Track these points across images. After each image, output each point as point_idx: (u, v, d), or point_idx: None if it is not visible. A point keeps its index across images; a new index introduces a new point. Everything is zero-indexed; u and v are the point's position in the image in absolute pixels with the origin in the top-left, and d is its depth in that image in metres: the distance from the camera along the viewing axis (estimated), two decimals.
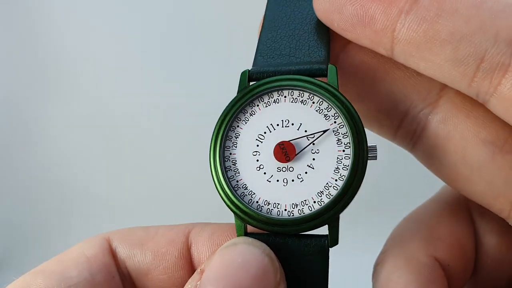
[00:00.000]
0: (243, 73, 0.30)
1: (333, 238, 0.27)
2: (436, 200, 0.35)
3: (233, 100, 0.30)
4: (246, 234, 0.29)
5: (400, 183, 0.77)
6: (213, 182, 0.29)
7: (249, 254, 0.26)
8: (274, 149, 0.28)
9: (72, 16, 0.87)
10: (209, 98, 0.81)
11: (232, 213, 0.29)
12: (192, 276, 0.27)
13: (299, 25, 0.32)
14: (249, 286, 0.25)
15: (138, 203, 0.88)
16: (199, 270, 0.27)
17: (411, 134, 0.31)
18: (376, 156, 0.28)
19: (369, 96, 0.31)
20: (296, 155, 0.28)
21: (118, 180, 0.92)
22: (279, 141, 0.28)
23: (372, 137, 0.30)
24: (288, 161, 0.28)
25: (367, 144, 0.27)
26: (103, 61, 0.87)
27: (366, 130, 0.28)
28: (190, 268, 0.33)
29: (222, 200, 0.29)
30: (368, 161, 0.28)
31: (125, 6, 0.85)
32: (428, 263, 0.31)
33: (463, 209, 0.34)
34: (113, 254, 0.33)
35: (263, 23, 0.33)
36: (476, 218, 0.34)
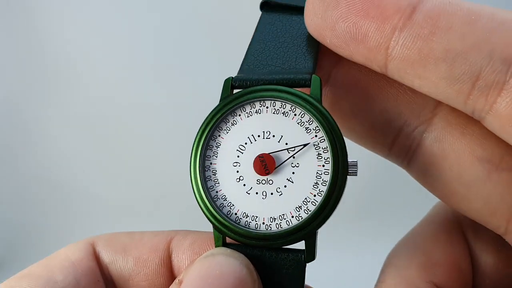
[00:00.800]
0: (226, 81, 0.30)
1: (309, 254, 0.27)
2: (429, 221, 0.35)
3: (215, 108, 0.30)
4: (225, 244, 0.29)
5: (393, 190, 0.77)
6: (193, 192, 0.29)
7: (227, 265, 0.26)
8: (254, 161, 0.28)
9: (73, 16, 0.87)
10: (212, 99, 0.81)
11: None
12: (170, 287, 0.27)
13: (289, 39, 0.32)
14: None
15: (137, 203, 0.89)
16: (177, 280, 0.27)
17: (405, 151, 0.31)
18: (356, 172, 0.27)
19: (362, 113, 0.31)
20: (275, 168, 0.28)
21: (117, 180, 0.92)
22: (259, 153, 0.28)
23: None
24: (267, 174, 0.28)
25: (347, 159, 0.27)
26: (103, 62, 0.88)
27: (356, 145, 0.28)
28: (171, 275, 0.33)
29: (201, 211, 0.29)
30: (349, 176, 0.27)
31: (125, 7, 0.85)
32: None
33: (456, 229, 0.34)
34: (97, 258, 0.33)
35: (253, 36, 0.33)
36: (470, 238, 0.33)
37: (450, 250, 0.32)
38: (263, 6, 0.34)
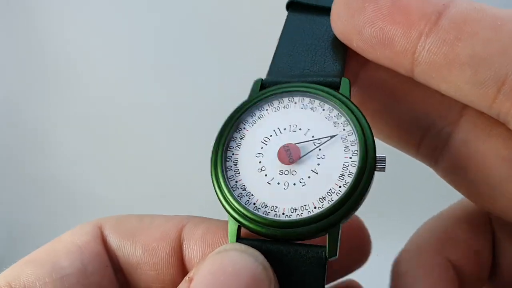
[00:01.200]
0: (256, 82, 0.30)
1: (331, 249, 0.26)
2: (457, 206, 0.35)
3: (243, 102, 0.30)
4: (239, 239, 0.27)
5: (407, 188, 0.77)
6: (212, 182, 0.28)
7: (241, 262, 0.25)
8: (279, 150, 0.28)
9: (74, 16, 0.87)
10: (212, 99, 0.82)
11: (227, 214, 0.28)
12: (180, 285, 0.26)
13: (316, 41, 0.32)
14: None
15: (139, 203, 0.87)
16: (187, 278, 0.26)
17: (432, 152, 0.31)
18: (384, 167, 0.27)
19: (389, 113, 0.31)
20: (300, 157, 0.27)
21: (119, 180, 0.91)
22: (284, 144, 0.28)
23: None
24: (291, 163, 0.27)
25: (375, 153, 0.27)
26: (105, 62, 0.87)
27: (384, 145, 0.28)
28: (181, 266, 0.31)
29: (218, 200, 0.28)
30: (376, 172, 0.27)
31: (126, 7, 0.85)
32: (440, 263, 0.31)
33: (483, 217, 0.34)
34: (104, 242, 0.31)
35: (280, 37, 0.33)
36: (497, 227, 0.34)
37: (472, 233, 0.33)
38: (289, 6, 0.34)
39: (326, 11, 0.31)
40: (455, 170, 0.30)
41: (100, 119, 0.89)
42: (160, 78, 0.86)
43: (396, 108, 0.31)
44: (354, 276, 0.36)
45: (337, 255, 0.26)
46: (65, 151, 0.91)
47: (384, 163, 0.27)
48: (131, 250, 0.31)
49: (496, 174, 0.28)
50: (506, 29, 0.24)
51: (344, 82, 0.29)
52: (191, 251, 0.31)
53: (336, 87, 0.29)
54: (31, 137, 0.91)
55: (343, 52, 0.31)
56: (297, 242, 0.27)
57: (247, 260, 0.25)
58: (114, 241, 0.31)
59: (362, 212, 0.28)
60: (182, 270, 0.31)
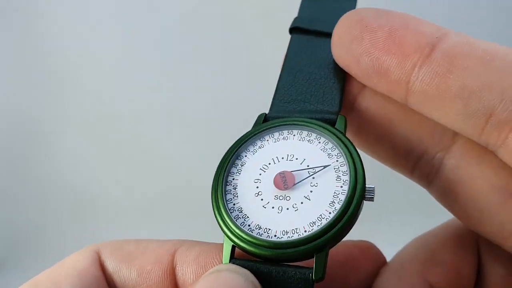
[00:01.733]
0: (259, 116, 0.33)
1: (317, 271, 0.27)
2: (443, 226, 0.36)
3: (246, 133, 0.32)
4: (233, 259, 0.29)
5: (395, 197, 0.77)
6: (211, 203, 0.30)
7: (233, 281, 0.26)
8: (275, 176, 0.30)
9: (77, 17, 0.88)
10: (214, 103, 0.84)
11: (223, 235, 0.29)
12: None
13: (317, 69, 0.34)
14: None
15: (141, 204, 0.88)
16: None
17: (426, 175, 0.33)
18: (373, 197, 0.28)
19: (386, 138, 0.33)
20: (294, 184, 0.29)
21: (120, 181, 0.91)
22: (281, 171, 0.30)
23: None
24: (286, 189, 0.29)
25: (364, 184, 0.28)
26: (109, 63, 0.89)
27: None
28: None
29: (216, 221, 0.30)
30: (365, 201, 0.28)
31: (128, 8, 0.87)
32: (418, 283, 0.31)
33: (469, 239, 0.35)
34: (102, 267, 0.33)
35: (283, 64, 0.35)
36: (483, 249, 0.34)
37: (456, 255, 0.33)
38: (292, 31, 0.37)
39: (328, 35, 0.34)
40: (447, 194, 0.31)
41: (104, 120, 0.90)
42: (165, 79, 0.88)
43: (392, 133, 0.33)
44: None
45: (324, 277, 0.27)
46: (68, 151, 0.92)
47: (373, 194, 0.28)
48: (127, 273, 0.32)
49: (485, 199, 0.29)
50: (495, 65, 0.26)
51: (340, 119, 0.31)
52: (184, 273, 0.32)
53: (332, 123, 0.31)
54: (34, 137, 0.92)
55: (342, 82, 0.33)
56: (287, 263, 0.28)
57: (238, 280, 0.26)
58: (111, 265, 0.33)
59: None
60: None
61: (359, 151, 0.30)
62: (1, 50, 0.90)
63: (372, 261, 0.34)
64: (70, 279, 0.31)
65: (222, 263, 0.29)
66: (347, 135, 0.33)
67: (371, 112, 0.33)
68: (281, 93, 0.34)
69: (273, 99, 0.34)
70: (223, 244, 0.29)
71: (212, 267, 0.30)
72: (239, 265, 0.28)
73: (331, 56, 0.33)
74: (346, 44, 0.30)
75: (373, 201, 0.28)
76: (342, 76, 0.33)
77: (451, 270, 0.33)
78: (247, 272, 0.27)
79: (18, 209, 0.93)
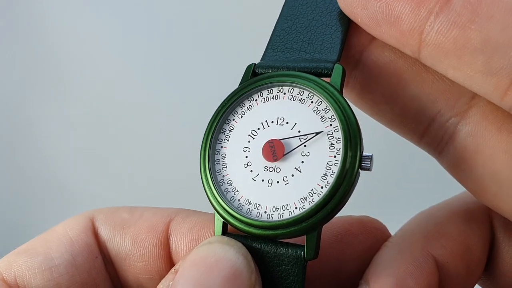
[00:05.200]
0: (248, 67, 0.29)
1: (310, 250, 0.25)
2: (453, 200, 0.33)
3: (232, 92, 0.29)
4: (225, 233, 0.27)
5: (396, 186, 0.74)
6: (200, 175, 0.28)
7: (223, 253, 0.25)
8: (263, 146, 0.27)
9: (73, 15, 0.87)
10: (207, 100, 0.80)
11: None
12: (166, 276, 0.26)
13: (318, 16, 0.30)
14: (221, 286, 0.24)
15: (138, 203, 0.88)
16: (173, 270, 0.26)
17: (437, 142, 0.29)
18: (370, 167, 0.25)
19: (394, 97, 0.29)
20: (284, 155, 0.26)
21: (118, 181, 0.91)
22: (269, 139, 0.27)
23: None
24: (275, 160, 0.26)
25: (360, 151, 0.25)
26: (104, 61, 0.87)
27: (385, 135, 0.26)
28: (168, 259, 0.32)
29: (205, 194, 0.28)
30: (362, 171, 0.26)
31: (125, 6, 0.85)
32: (421, 255, 0.29)
33: (481, 214, 0.32)
34: (95, 234, 0.32)
35: (281, 10, 0.31)
36: (498, 226, 0.31)
37: (465, 229, 0.30)
38: None
39: None
40: (460, 163, 0.28)
41: (99, 119, 0.89)
42: (159, 77, 0.86)
43: (401, 92, 0.29)
44: None
45: (317, 256, 0.25)
46: (65, 151, 0.92)
47: (369, 162, 0.25)
48: (121, 241, 0.32)
49: (504, 171, 0.26)
50: None
51: (337, 69, 0.27)
52: (178, 244, 0.31)
53: (327, 74, 0.27)
54: (30, 136, 0.92)
55: (344, 31, 0.29)
56: (279, 240, 0.26)
57: (229, 252, 0.25)
58: (105, 232, 0.32)
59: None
60: (169, 262, 0.32)
61: (361, 115, 0.27)
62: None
63: (372, 236, 0.31)
64: (61, 246, 0.31)
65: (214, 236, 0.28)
66: (350, 94, 0.29)
67: (378, 68, 0.29)
68: (275, 41, 0.30)
69: (266, 47, 0.30)
70: None
71: (205, 239, 0.28)
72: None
73: (335, 2, 0.29)
74: None
75: (370, 170, 0.25)
76: (346, 24, 0.29)
77: (459, 244, 0.30)
78: (239, 244, 0.26)
79: (16, 209, 0.96)
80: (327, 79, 0.27)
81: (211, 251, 0.25)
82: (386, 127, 0.31)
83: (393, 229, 0.32)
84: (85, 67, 0.88)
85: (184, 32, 0.83)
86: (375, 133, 0.30)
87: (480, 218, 0.31)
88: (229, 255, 0.25)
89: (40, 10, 0.87)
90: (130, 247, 0.31)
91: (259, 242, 0.26)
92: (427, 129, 0.29)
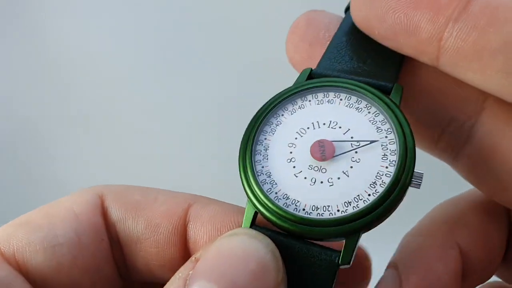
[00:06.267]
0: (304, 70, 0.29)
1: (345, 256, 0.24)
2: (471, 191, 0.33)
3: (286, 89, 0.28)
4: (253, 226, 0.26)
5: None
6: (238, 163, 0.27)
7: (251, 247, 0.24)
8: (313, 144, 0.26)
9: (74, 14, 0.87)
10: (211, 100, 0.81)
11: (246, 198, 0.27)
12: (185, 264, 0.25)
13: (372, 40, 0.30)
14: (247, 282, 0.22)
15: None
16: (193, 258, 0.25)
17: (452, 146, 0.30)
18: (419, 185, 0.25)
19: (408, 106, 0.30)
20: (333, 156, 0.26)
21: (118, 181, 0.90)
22: (320, 139, 0.27)
23: None
24: (323, 160, 0.26)
25: (413, 167, 0.25)
26: (105, 60, 0.87)
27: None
28: (183, 246, 0.30)
29: (241, 183, 0.27)
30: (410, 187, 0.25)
31: (125, 5, 0.85)
32: (446, 242, 0.29)
33: (499, 206, 0.32)
34: (104, 214, 0.30)
35: (336, 32, 0.31)
36: None
37: (484, 220, 0.31)
38: (347, 10, 0.33)
39: None
40: (478, 165, 0.28)
41: (101, 119, 0.88)
42: (161, 77, 0.85)
43: (414, 102, 0.30)
44: None
45: (351, 263, 0.24)
46: (65, 150, 0.90)
47: (420, 181, 0.25)
48: (133, 224, 0.30)
49: None
50: None
51: (397, 88, 0.27)
52: (197, 233, 0.29)
53: (387, 92, 0.28)
54: (30, 136, 0.90)
55: (400, 55, 0.29)
56: (312, 241, 0.25)
57: (257, 246, 0.24)
58: (115, 213, 0.30)
59: None
60: (184, 250, 0.30)
61: None
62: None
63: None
64: (65, 223, 0.28)
65: (238, 226, 0.27)
66: None
67: None
68: (333, 50, 0.30)
69: (323, 55, 0.30)
70: (242, 207, 0.27)
71: (227, 230, 0.27)
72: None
73: None
74: (368, 2, 0.27)
75: (419, 188, 0.25)
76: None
77: (481, 233, 0.30)
78: (267, 239, 0.25)
79: (15, 209, 0.93)
80: None
81: (238, 243, 0.24)
82: None
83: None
84: (85, 67, 0.87)
85: (184, 32, 0.83)
86: None
87: (499, 209, 0.32)
88: (257, 250, 0.24)
89: (40, 9, 0.86)
90: (143, 231, 0.29)
91: (291, 239, 0.25)
92: (441, 136, 0.30)
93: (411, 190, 0.26)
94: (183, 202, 0.30)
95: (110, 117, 0.88)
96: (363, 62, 0.29)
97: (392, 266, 0.29)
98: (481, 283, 0.32)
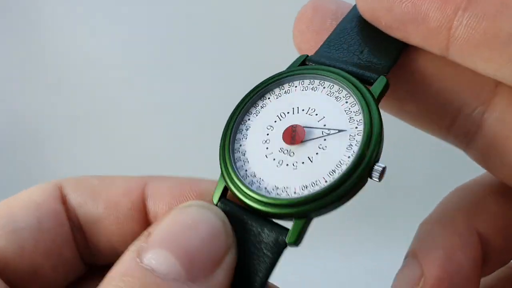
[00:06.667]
0: (300, 56, 0.30)
1: (291, 236, 0.25)
2: (487, 175, 0.33)
3: (276, 74, 0.30)
4: (222, 199, 0.27)
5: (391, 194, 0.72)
6: (221, 140, 0.29)
7: (200, 216, 0.25)
8: (286, 128, 0.28)
9: (74, 14, 0.88)
10: (214, 98, 0.80)
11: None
12: (138, 237, 0.26)
13: (377, 29, 0.30)
14: (198, 247, 0.24)
15: None
16: (146, 232, 0.25)
17: (465, 133, 0.29)
18: (379, 178, 0.25)
19: (418, 94, 0.30)
20: (302, 142, 0.27)
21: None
22: (293, 123, 0.28)
23: None
24: (291, 144, 0.27)
25: (373, 160, 0.25)
26: (105, 60, 0.88)
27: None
28: (144, 221, 0.31)
29: (218, 157, 0.28)
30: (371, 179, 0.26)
31: (125, 5, 0.86)
32: (466, 229, 0.29)
33: None
34: (63, 201, 0.31)
35: (347, 13, 0.32)
36: None
37: (502, 206, 0.31)
38: None
39: None
40: (491, 151, 0.28)
41: (101, 118, 0.89)
42: (161, 77, 0.87)
43: (425, 89, 0.29)
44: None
45: (297, 244, 0.25)
46: (65, 149, 0.92)
47: (379, 173, 0.25)
48: (93, 207, 0.31)
49: None
50: None
51: (380, 81, 0.28)
52: (156, 205, 0.31)
53: (371, 83, 0.28)
54: (29, 135, 0.92)
55: (400, 46, 0.29)
56: (270, 219, 0.26)
57: (207, 215, 0.25)
58: (74, 199, 0.31)
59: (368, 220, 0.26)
60: (146, 224, 0.31)
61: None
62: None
63: None
64: (26, 210, 0.30)
65: (196, 195, 0.28)
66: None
67: (401, 67, 0.30)
68: (334, 39, 0.30)
69: (324, 43, 0.31)
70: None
71: (186, 198, 0.29)
72: (223, 205, 0.27)
73: None
74: None
75: (379, 181, 0.25)
76: (401, 43, 0.29)
77: (500, 218, 0.30)
78: (217, 209, 0.26)
79: None
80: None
81: (188, 214, 0.25)
82: (412, 125, 0.31)
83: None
84: (85, 66, 0.89)
85: (183, 31, 0.84)
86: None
87: None
88: (206, 218, 0.25)
89: (40, 9, 0.88)
90: (103, 211, 0.31)
91: (250, 215, 0.26)
92: (454, 122, 0.29)
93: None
94: (140, 181, 0.31)
95: (110, 116, 0.89)
96: (360, 52, 0.30)
97: (412, 255, 0.29)
98: (503, 265, 0.32)
